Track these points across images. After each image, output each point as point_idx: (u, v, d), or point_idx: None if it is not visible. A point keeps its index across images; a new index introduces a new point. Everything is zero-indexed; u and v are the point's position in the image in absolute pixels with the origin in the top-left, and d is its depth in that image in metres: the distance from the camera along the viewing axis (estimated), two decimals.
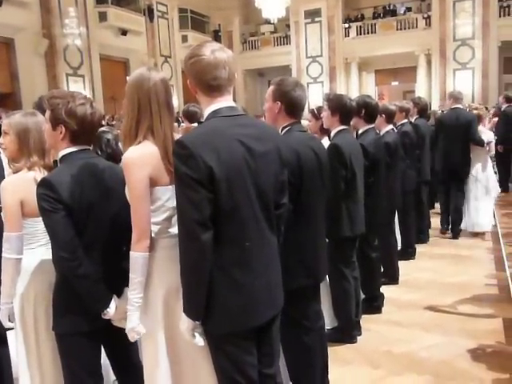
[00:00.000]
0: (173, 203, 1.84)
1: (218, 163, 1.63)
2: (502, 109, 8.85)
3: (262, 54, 23.17)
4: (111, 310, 1.95)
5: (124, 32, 17.83)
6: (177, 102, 19.37)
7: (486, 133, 6.43)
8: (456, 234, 6.25)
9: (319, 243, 2.55)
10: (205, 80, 1.72)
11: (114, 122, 15.14)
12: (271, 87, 2.47)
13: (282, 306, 1.94)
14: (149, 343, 1.93)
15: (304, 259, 2.43)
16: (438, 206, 7.76)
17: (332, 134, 3.31)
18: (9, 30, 14.06)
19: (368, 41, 21.07)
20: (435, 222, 6.67)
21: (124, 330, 1.96)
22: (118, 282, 2.00)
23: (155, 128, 1.83)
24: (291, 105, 2.44)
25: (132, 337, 1.88)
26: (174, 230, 1.85)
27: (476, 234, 6.29)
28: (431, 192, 6.65)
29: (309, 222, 2.44)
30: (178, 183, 1.66)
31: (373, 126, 3.90)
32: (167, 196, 1.85)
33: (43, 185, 1.87)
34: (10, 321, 2.17)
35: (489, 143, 6.16)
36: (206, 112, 1.77)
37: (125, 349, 2.13)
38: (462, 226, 6.28)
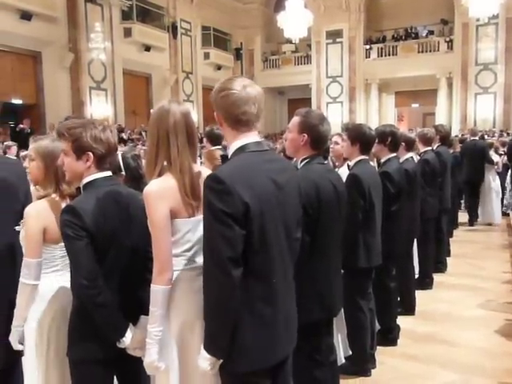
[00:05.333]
0: (193, 236, 1.83)
1: (253, 199, 1.61)
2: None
3: (283, 73, 23.33)
4: (127, 340, 1.93)
5: (147, 48, 18.15)
6: (196, 118, 19.56)
7: (495, 155, 9.77)
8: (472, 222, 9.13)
9: (334, 276, 2.52)
10: (234, 114, 1.71)
11: (134, 136, 15.37)
12: (297, 118, 2.45)
13: (296, 340, 1.91)
14: (162, 377, 1.89)
15: (318, 293, 2.40)
16: (455, 233, 7.67)
17: (351, 164, 3.29)
18: (37, 44, 14.43)
19: (389, 62, 21.10)
20: (454, 250, 6.55)
21: (137, 359, 1.95)
22: (134, 311, 1.99)
23: (173, 162, 1.83)
24: (318, 139, 2.43)
25: (151, 371, 1.86)
26: (194, 262, 1.85)
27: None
28: (450, 220, 6.56)
29: (324, 255, 2.42)
30: (211, 218, 1.62)
31: (395, 154, 3.88)
32: (187, 228, 1.84)
33: (68, 211, 1.86)
34: (20, 343, 2.16)
35: (497, 163, 9.48)
36: (233, 146, 1.76)
37: (137, 379, 2.10)
38: (480, 219, 9.23)
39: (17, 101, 14.79)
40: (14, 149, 8.89)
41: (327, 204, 2.39)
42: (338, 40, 21.68)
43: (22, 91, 14.64)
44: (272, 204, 1.68)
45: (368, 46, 21.83)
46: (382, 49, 21.81)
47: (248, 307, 1.67)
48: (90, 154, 1.93)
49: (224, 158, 2.31)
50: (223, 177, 1.61)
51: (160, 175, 1.84)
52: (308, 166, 2.43)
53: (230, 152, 1.78)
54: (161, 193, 1.78)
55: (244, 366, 1.71)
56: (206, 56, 21.78)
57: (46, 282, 2.15)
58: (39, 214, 2.09)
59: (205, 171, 1.92)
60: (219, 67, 22.78)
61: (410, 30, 21.99)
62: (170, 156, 1.83)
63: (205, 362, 1.69)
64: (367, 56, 21.90)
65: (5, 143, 9.36)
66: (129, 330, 1.95)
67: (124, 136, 14.76)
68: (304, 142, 2.42)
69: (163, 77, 19.31)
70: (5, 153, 8.59)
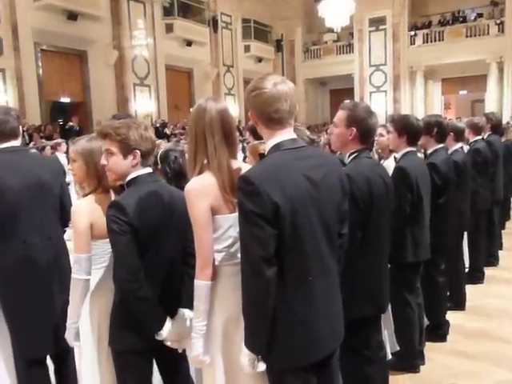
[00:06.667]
0: (234, 231, 1.84)
1: (284, 199, 1.61)
2: None
3: (324, 63, 23.05)
4: (164, 332, 1.99)
5: (189, 43, 18.36)
6: (238, 111, 19.65)
7: None
8: None
9: (384, 271, 2.48)
10: (266, 113, 1.71)
11: (176, 131, 15.60)
12: (343, 112, 2.40)
13: (342, 339, 1.89)
14: (209, 371, 1.94)
15: (368, 288, 2.37)
16: (508, 225, 7.36)
17: (398, 156, 3.20)
18: (82, 43, 14.88)
19: (435, 49, 20.45)
20: (506, 242, 6.29)
21: (176, 351, 2.01)
22: (172, 304, 2.04)
23: (211, 160, 1.85)
24: (366, 132, 2.39)
25: (196, 365, 1.91)
26: (236, 257, 1.85)
27: None
28: (503, 211, 6.30)
29: (374, 250, 2.38)
30: (243, 219, 1.65)
31: (443, 145, 3.75)
32: (229, 224, 1.85)
33: (114, 207, 1.93)
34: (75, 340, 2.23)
35: None
36: (268, 145, 1.76)
37: (176, 370, 2.16)
38: None
39: (65, 99, 15.35)
40: (64, 146, 9.20)
41: (378, 198, 2.34)
42: (381, 27, 21.19)
43: (70, 90, 15.16)
44: (306, 201, 1.67)
45: (413, 33, 21.20)
46: (427, 35, 21.13)
47: (285, 305, 1.68)
48: (137, 151, 1.99)
49: (261, 155, 2.30)
50: (252, 177, 1.62)
51: (201, 172, 1.87)
52: (357, 161, 2.39)
53: (266, 150, 1.79)
54: (201, 190, 1.81)
55: (284, 362, 1.73)
56: (247, 49, 21.80)
57: (96, 278, 2.21)
58: (85, 211, 2.15)
59: (245, 167, 1.92)
60: (260, 60, 22.75)
61: (457, 14, 21.21)
62: (208, 154, 1.85)
63: (245, 357, 1.72)
64: (412, 43, 21.28)
65: (54, 141, 9.69)
66: (166, 322, 2.00)
67: (167, 131, 15.00)
68: (352, 136, 2.37)
69: (205, 71, 19.49)
70: (55, 150, 8.93)
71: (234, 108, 19.84)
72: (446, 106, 23.38)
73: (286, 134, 1.74)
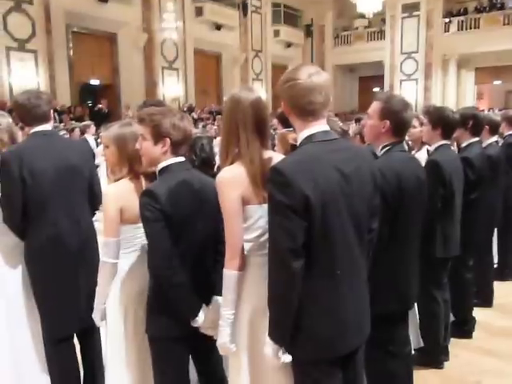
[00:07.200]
0: (264, 222, 1.84)
1: (314, 191, 1.59)
2: None
3: (354, 50, 22.66)
4: (200, 319, 2.02)
5: (218, 27, 18.27)
6: (265, 96, 19.51)
7: None
8: None
9: (412, 267, 2.44)
10: (300, 104, 1.69)
11: (203, 115, 15.62)
12: (377, 104, 2.36)
13: (368, 333, 1.88)
14: (234, 360, 1.96)
15: (396, 284, 2.34)
16: None
17: (431, 149, 3.13)
18: (113, 25, 14.95)
19: (470, 36, 19.86)
20: None
21: (211, 338, 2.03)
22: (206, 291, 2.07)
23: (243, 152, 1.85)
24: (400, 126, 2.34)
25: (223, 352, 1.94)
26: (265, 248, 1.84)
27: None
28: None
29: (403, 246, 2.34)
30: (272, 210, 1.65)
31: (478, 139, 3.66)
32: (259, 214, 1.86)
33: (147, 195, 1.95)
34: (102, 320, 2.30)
35: None
36: (301, 136, 1.74)
37: (210, 357, 2.19)
38: None
39: (94, 81, 15.51)
40: (93, 128, 9.30)
41: (409, 193, 2.29)
42: (414, 13, 20.64)
43: (99, 72, 15.30)
44: (336, 195, 1.65)
45: (447, 20, 20.62)
46: (462, 22, 20.53)
47: (311, 297, 1.68)
48: (167, 139, 2.01)
49: (293, 147, 2.29)
50: (283, 169, 1.61)
51: (232, 162, 1.87)
52: (389, 154, 2.34)
53: (298, 142, 1.77)
54: (232, 180, 1.81)
55: (310, 354, 1.73)
56: (276, 33, 21.58)
57: (126, 262, 2.24)
58: (115, 195, 2.18)
59: (276, 157, 1.90)
60: (289, 45, 22.51)
61: (494, 1, 20.49)
62: (240, 146, 1.85)
63: (269, 348, 1.73)
64: (446, 30, 20.70)
65: (83, 123, 9.81)
66: (202, 309, 2.03)
67: (194, 115, 15.04)
68: (386, 129, 2.32)
69: (233, 55, 19.40)
70: (84, 132, 9.04)
71: (262, 93, 19.71)
72: (479, 96, 22.79)
73: (319, 126, 1.72)
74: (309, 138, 1.71)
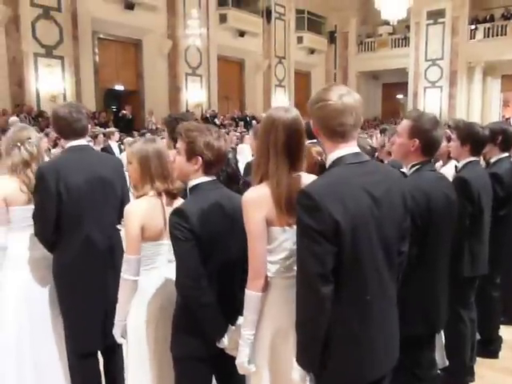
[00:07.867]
0: (290, 244, 1.81)
1: (344, 216, 1.56)
2: None
3: (378, 56, 22.50)
4: (226, 340, 1.99)
5: (242, 33, 18.35)
6: (287, 103, 19.51)
7: None
8: None
9: (441, 290, 2.38)
10: (330, 126, 1.66)
11: (226, 122, 15.67)
12: (407, 122, 2.32)
13: (397, 358, 1.84)
14: (255, 380, 1.94)
15: (423, 306, 2.29)
16: None
17: (460, 166, 3.07)
18: (138, 32, 15.17)
19: (496, 44, 19.53)
20: None
21: (234, 358, 1.98)
22: (232, 312, 2.03)
23: (270, 173, 1.82)
24: (430, 145, 2.29)
25: (241, 371, 1.92)
26: (291, 271, 1.83)
27: None
28: None
29: (431, 268, 2.29)
30: (301, 234, 1.61)
31: (507, 154, 3.57)
32: (284, 237, 1.83)
33: (177, 214, 1.93)
34: (122, 337, 2.29)
35: None
36: (330, 158, 1.71)
37: (233, 378, 2.15)
38: None
39: (119, 87, 15.72)
40: (117, 134, 9.42)
41: (438, 214, 2.25)
42: (439, 20, 20.42)
43: (124, 78, 15.53)
44: (367, 219, 1.62)
45: (473, 26, 20.31)
46: (489, 29, 20.20)
47: (341, 323, 1.64)
48: (200, 158, 1.98)
49: (322, 167, 2.25)
50: (313, 192, 1.58)
51: (261, 181, 1.85)
52: (418, 174, 2.30)
53: (327, 164, 1.74)
54: (257, 201, 1.80)
55: (337, 381, 1.69)
56: (300, 40, 21.57)
57: (146, 280, 2.23)
58: (137, 213, 2.18)
59: (306, 178, 1.87)
60: (312, 51, 22.48)
61: None
62: (269, 168, 1.83)
63: (296, 373, 1.70)
64: (472, 37, 20.41)
65: (107, 129, 9.94)
66: (228, 330, 2.00)
67: (217, 121, 15.11)
68: (415, 148, 2.28)
69: (256, 62, 19.45)
70: (108, 138, 9.15)
71: (284, 100, 19.71)
72: (505, 104, 22.34)
73: (349, 148, 1.69)
74: (339, 161, 1.68)
